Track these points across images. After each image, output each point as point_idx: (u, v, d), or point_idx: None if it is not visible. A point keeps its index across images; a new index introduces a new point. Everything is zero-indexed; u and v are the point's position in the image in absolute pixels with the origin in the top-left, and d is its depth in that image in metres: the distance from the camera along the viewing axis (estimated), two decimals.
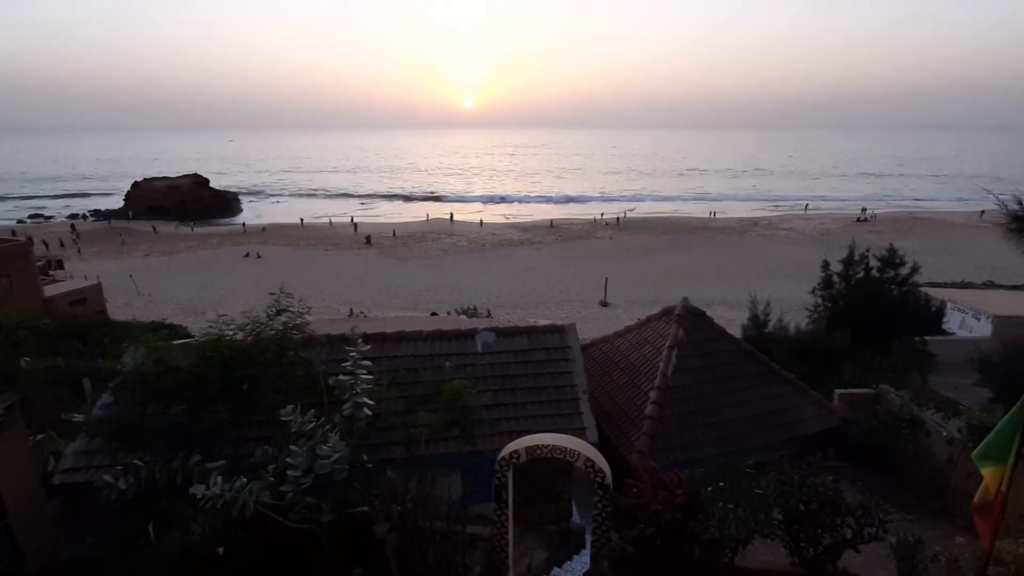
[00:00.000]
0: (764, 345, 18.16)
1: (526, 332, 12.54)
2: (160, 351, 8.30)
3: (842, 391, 15.14)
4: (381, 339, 11.67)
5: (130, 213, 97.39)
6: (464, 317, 25.19)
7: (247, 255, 63.92)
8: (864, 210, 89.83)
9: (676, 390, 13.53)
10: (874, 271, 21.81)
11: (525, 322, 14.50)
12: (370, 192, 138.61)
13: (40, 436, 10.44)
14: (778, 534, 7.56)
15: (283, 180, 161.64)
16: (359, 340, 8.32)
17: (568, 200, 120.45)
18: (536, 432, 8.89)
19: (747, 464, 8.45)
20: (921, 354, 19.11)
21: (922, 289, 23.23)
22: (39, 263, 38.95)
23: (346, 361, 8.18)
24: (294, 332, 8.72)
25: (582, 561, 9.48)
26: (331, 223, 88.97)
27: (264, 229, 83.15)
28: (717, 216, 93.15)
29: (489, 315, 28.94)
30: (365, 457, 7.82)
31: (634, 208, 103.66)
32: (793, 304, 29.71)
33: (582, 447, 8.13)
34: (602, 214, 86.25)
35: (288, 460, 6.85)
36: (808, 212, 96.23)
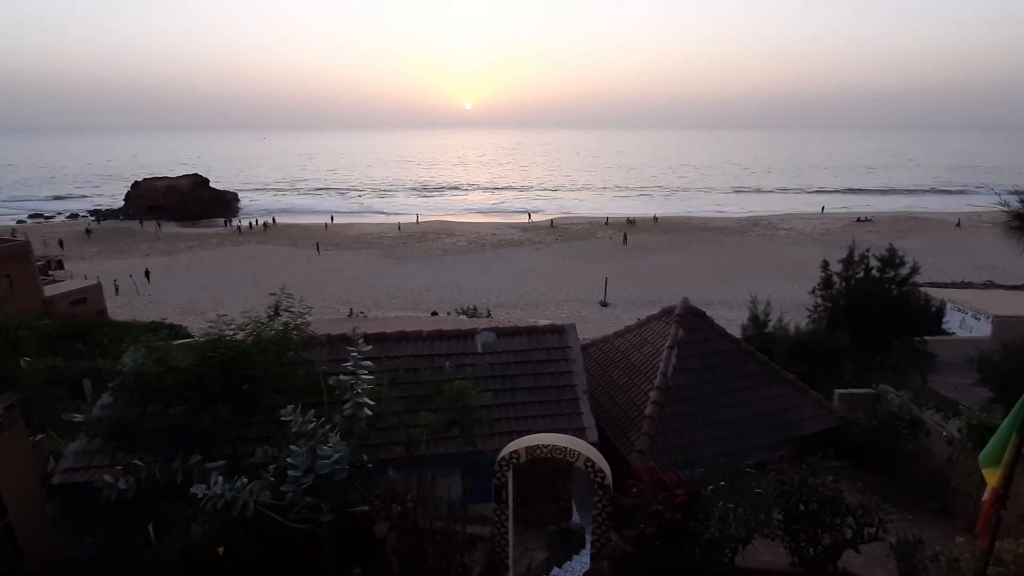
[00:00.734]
0: (764, 345, 18.16)
1: (526, 332, 12.54)
2: (160, 351, 8.30)
3: (842, 391, 15.14)
4: (381, 339, 11.66)
5: (129, 212, 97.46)
6: (464, 317, 25.19)
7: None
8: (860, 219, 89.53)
9: (676, 390, 13.53)
10: (874, 271, 21.82)
11: (525, 322, 14.50)
12: (371, 193, 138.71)
13: (40, 436, 10.43)
14: (778, 534, 7.56)
15: (283, 180, 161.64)
16: (360, 340, 8.32)
17: (567, 200, 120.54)
18: (536, 432, 8.89)
19: (747, 464, 8.45)
20: (921, 354, 19.10)
21: (922, 289, 23.25)
22: (39, 263, 38.96)
23: (346, 361, 8.18)
24: (294, 332, 8.72)
25: (582, 561, 9.47)
26: (328, 224, 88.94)
27: (265, 228, 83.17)
28: (717, 216, 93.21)
29: (489, 315, 28.94)
30: (365, 457, 7.82)
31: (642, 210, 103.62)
32: (793, 304, 29.71)
33: (582, 447, 8.13)
34: (606, 221, 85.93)
35: (288, 460, 6.85)
36: (811, 212, 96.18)
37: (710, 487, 7.74)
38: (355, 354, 8.14)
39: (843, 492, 7.83)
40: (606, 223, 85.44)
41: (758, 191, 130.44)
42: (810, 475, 7.98)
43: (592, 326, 34.02)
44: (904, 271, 21.73)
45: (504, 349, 12.12)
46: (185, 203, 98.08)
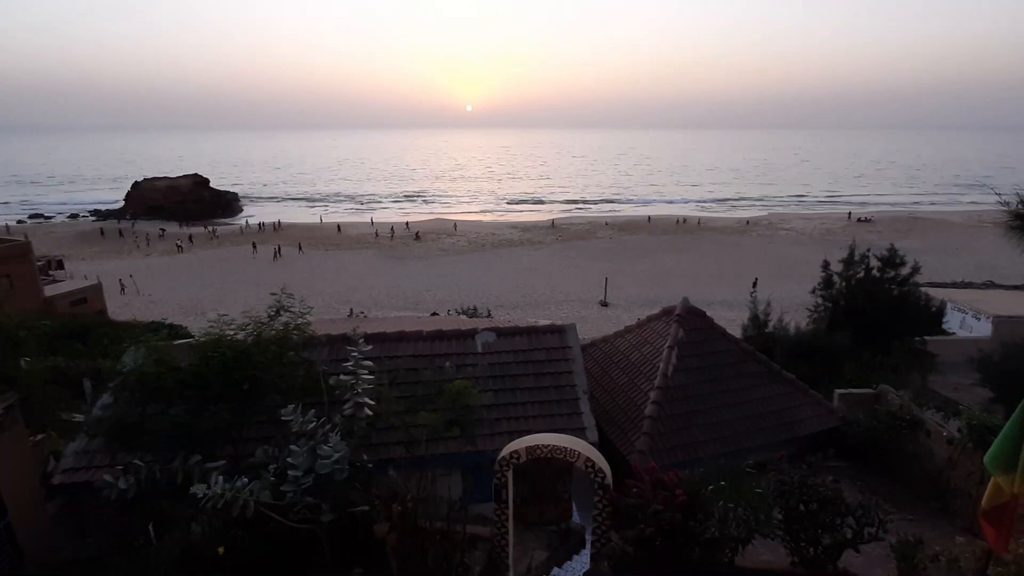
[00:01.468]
0: (764, 345, 18.16)
1: (526, 332, 12.53)
2: (160, 351, 8.29)
3: (842, 391, 15.14)
4: (381, 339, 11.67)
5: (129, 212, 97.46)
6: (464, 317, 25.19)
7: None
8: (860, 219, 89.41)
9: (676, 390, 13.53)
10: (874, 271, 21.82)
11: (525, 322, 14.50)
12: (370, 192, 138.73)
13: (40, 436, 10.44)
14: (778, 534, 7.56)
15: (284, 180, 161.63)
16: (360, 340, 8.31)
17: (569, 200, 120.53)
18: (536, 432, 8.88)
19: (747, 464, 8.46)
20: (921, 354, 19.12)
21: (922, 289, 23.25)
22: (39, 263, 38.96)
23: (346, 361, 8.17)
24: (295, 332, 8.72)
25: (582, 561, 9.47)
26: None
27: (263, 228, 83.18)
28: (717, 216, 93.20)
29: (489, 315, 28.93)
30: (365, 457, 7.81)
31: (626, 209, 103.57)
32: (793, 304, 29.72)
33: (582, 447, 8.13)
34: (606, 222, 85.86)
35: (289, 460, 6.84)
36: (812, 213, 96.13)
37: (710, 487, 7.73)
38: (355, 354, 8.13)
39: (843, 492, 7.82)
40: (606, 223, 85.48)
41: (761, 198, 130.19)
42: (810, 475, 7.97)
43: (592, 326, 34.04)
44: (904, 271, 21.73)
45: (504, 349, 12.12)
46: (185, 203, 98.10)
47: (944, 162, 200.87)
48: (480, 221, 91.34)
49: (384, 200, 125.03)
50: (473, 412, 8.65)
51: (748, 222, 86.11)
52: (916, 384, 16.09)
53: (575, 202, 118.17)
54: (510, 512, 8.08)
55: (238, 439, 8.45)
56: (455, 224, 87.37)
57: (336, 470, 6.75)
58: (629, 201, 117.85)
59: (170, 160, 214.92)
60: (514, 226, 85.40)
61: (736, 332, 18.02)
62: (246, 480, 6.51)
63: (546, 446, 7.91)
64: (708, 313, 16.19)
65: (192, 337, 14.55)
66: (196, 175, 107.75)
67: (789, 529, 7.68)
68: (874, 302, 20.91)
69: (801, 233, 75.97)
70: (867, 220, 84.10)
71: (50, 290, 35.35)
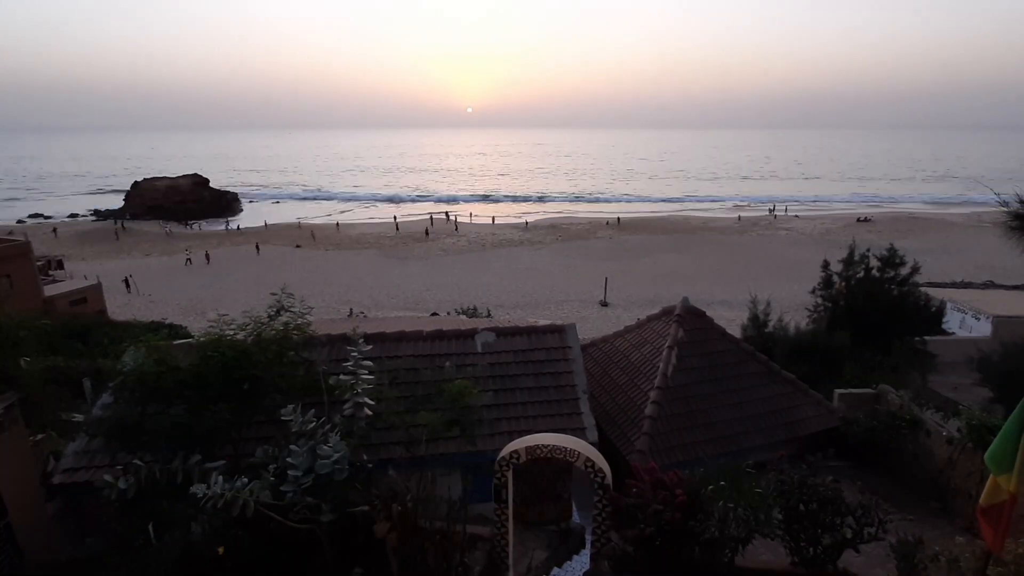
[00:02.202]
0: (764, 345, 18.17)
1: (526, 332, 12.53)
2: (160, 351, 8.29)
3: (842, 391, 15.14)
4: (381, 339, 11.67)
5: (129, 212, 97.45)
6: (464, 317, 25.19)
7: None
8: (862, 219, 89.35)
9: (676, 390, 13.53)
10: (874, 271, 21.83)
11: (525, 322, 14.50)
12: (370, 191, 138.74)
13: (40, 436, 10.43)
14: (778, 534, 7.55)
15: (284, 180, 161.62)
16: (360, 340, 8.32)
17: (569, 199, 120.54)
18: (536, 432, 8.88)
19: (747, 464, 8.45)
20: (921, 354, 19.12)
21: (922, 289, 23.26)
22: (39, 263, 38.96)
23: (346, 361, 8.17)
24: (295, 332, 8.72)
25: (582, 561, 9.46)
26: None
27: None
28: (717, 216, 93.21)
29: (489, 315, 28.93)
30: (365, 457, 7.81)
31: (632, 209, 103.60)
32: (793, 304, 29.71)
33: (582, 447, 8.12)
34: (606, 222, 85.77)
35: (288, 460, 6.84)
36: (812, 214, 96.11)
37: (710, 487, 7.73)
38: (355, 354, 8.13)
39: (843, 492, 7.82)
40: (606, 224, 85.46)
41: (762, 198, 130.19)
42: (810, 475, 7.97)
43: (592, 326, 34.05)
44: (904, 271, 21.74)
45: (504, 349, 12.12)
46: (185, 203, 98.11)
47: (945, 162, 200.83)
48: (480, 221, 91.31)
49: (385, 200, 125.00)
50: (473, 412, 8.66)
51: (748, 222, 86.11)
52: (916, 384, 16.10)
53: (575, 201, 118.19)
54: (510, 512, 8.08)
55: (238, 439, 8.45)
56: (455, 223, 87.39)
57: (336, 470, 6.75)
58: (629, 201, 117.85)
59: (170, 160, 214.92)
60: (514, 226, 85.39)
61: (736, 332, 18.02)
62: (246, 480, 6.51)
63: (546, 446, 7.90)
64: (708, 313, 16.19)
65: (192, 337, 14.55)
66: (196, 175, 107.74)
67: (789, 529, 7.67)
68: (874, 302, 20.92)
69: (801, 233, 75.96)
70: (867, 220, 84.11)
71: (50, 290, 35.35)
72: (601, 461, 8.06)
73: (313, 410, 7.50)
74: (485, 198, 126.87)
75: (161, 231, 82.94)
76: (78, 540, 9.07)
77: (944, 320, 24.07)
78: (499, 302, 44.09)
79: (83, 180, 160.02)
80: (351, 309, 40.63)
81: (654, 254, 63.92)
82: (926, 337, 20.21)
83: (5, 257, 31.92)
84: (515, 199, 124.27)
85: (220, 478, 6.49)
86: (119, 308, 41.65)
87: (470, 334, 12.35)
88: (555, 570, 9.37)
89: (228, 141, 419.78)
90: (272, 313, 8.89)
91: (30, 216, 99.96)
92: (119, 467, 7.45)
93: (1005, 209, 9.64)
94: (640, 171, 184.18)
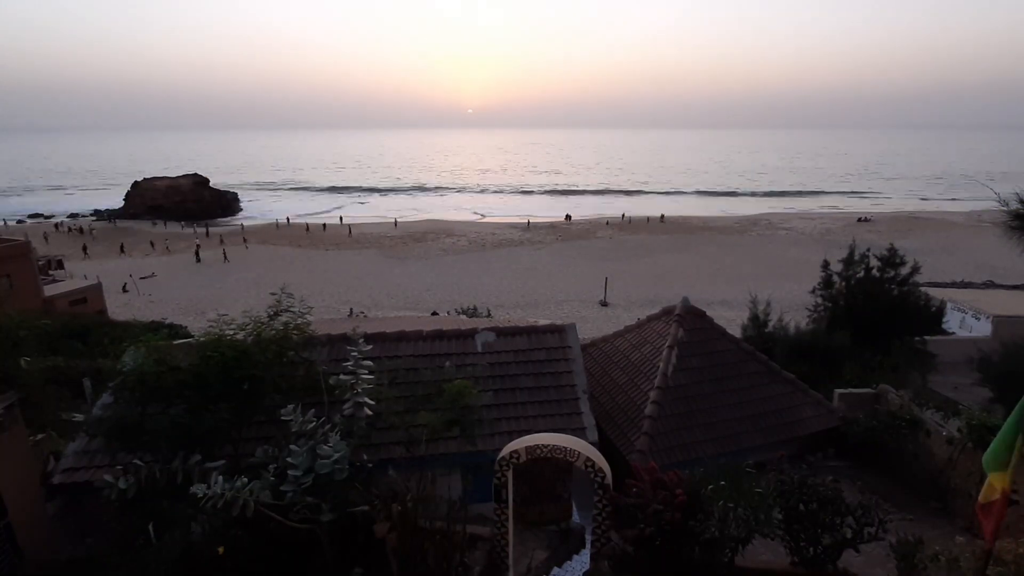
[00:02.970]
0: (764, 345, 18.17)
1: (526, 332, 12.53)
2: (160, 351, 8.29)
3: (842, 391, 15.15)
4: (381, 339, 11.67)
5: (129, 212, 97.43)
6: (464, 317, 25.19)
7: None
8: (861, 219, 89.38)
9: (676, 390, 13.54)
10: (874, 271, 21.82)
11: (525, 322, 14.49)
12: (370, 192, 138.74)
13: (40, 436, 10.43)
14: (778, 534, 7.56)
15: (283, 180, 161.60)
16: (360, 340, 8.32)
17: (569, 199, 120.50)
18: (536, 432, 8.89)
19: (747, 464, 8.45)
20: (921, 354, 19.10)
21: (922, 289, 23.25)
22: (39, 263, 38.96)
23: (346, 361, 8.18)
24: (295, 332, 8.72)
25: (582, 561, 9.47)
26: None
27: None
28: (717, 216, 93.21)
29: (489, 315, 28.92)
30: (365, 457, 7.81)
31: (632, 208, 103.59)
32: (793, 304, 29.71)
33: (582, 447, 8.13)
34: (606, 222, 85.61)
35: (288, 460, 6.84)
36: (813, 214, 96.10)
37: (710, 487, 7.73)
38: (355, 354, 8.13)
39: (843, 492, 7.83)
40: (606, 223, 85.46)
41: (765, 193, 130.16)
42: (810, 475, 7.98)
43: (592, 326, 34.04)
44: (904, 271, 21.72)
45: (504, 349, 12.11)
46: (185, 203, 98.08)
47: (945, 162, 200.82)
48: (480, 221, 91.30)
49: (385, 200, 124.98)
50: (473, 412, 8.65)
51: (748, 222, 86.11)
52: (916, 384, 16.10)
53: (575, 201, 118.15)
54: (510, 512, 8.08)
55: (238, 439, 8.45)
56: (455, 224, 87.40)
57: (336, 470, 6.75)
58: (629, 200, 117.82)
59: (169, 160, 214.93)
60: (514, 226, 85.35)
61: (736, 332, 18.03)
62: (246, 480, 6.51)
63: (546, 446, 7.91)
64: (708, 313, 16.19)
65: (192, 337, 14.54)
66: (196, 175, 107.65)
67: (789, 529, 7.68)
68: (874, 302, 20.91)
69: (801, 233, 75.96)
70: (867, 220, 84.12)
71: (50, 290, 35.33)
72: (601, 461, 8.06)
73: (313, 410, 7.50)
74: (485, 197, 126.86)
75: (158, 231, 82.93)
76: (78, 540, 9.06)
77: (944, 320, 24.06)
78: (499, 302, 44.08)
79: (83, 180, 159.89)
80: (351, 309, 40.62)
81: (654, 254, 63.92)
82: (926, 337, 20.20)
83: (5, 257, 31.91)
84: (516, 198, 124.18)
85: (220, 478, 6.49)
86: (119, 308, 41.65)
87: (470, 334, 12.35)
88: (555, 570, 9.38)
89: (228, 141, 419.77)
90: (272, 313, 8.89)
91: (30, 216, 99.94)
92: (119, 467, 7.46)
93: (1005, 209, 9.63)
94: (641, 171, 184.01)
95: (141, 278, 53.18)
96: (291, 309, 8.99)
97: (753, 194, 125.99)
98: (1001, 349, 15.14)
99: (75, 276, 44.57)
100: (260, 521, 6.69)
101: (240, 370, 7.87)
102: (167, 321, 31.15)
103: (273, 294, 9.18)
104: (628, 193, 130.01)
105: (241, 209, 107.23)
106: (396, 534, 7.17)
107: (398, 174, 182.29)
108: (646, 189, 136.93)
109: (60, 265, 49.58)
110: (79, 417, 8.77)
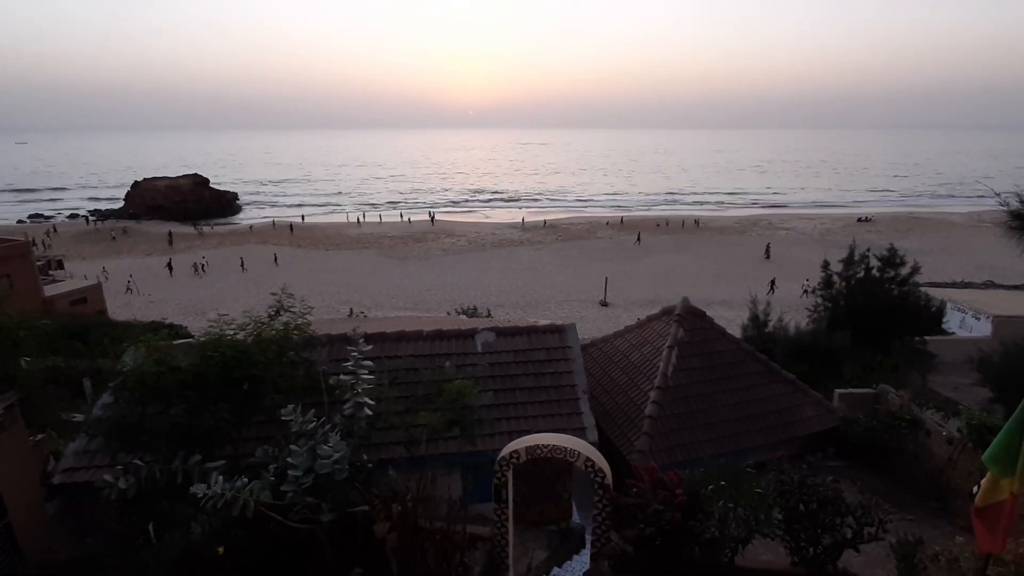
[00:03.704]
0: (764, 345, 18.17)
1: (526, 332, 12.53)
2: (160, 351, 8.30)
3: (842, 391, 15.15)
4: (381, 339, 11.67)
5: (129, 212, 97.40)
6: (464, 317, 25.18)
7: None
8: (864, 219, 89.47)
9: (676, 390, 13.53)
10: (874, 271, 21.81)
11: (525, 322, 14.49)
12: (370, 191, 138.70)
13: (40, 436, 10.43)
14: (778, 534, 7.56)
15: (283, 179, 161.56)
16: (360, 340, 8.32)
17: (568, 199, 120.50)
18: (536, 432, 8.89)
19: (747, 464, 8.46)
20: (921, 354, 19.10)
21: (922, 289, 23.24)
22: (39, 263, 38.96)
23: (346, 361, 8.18)
24: (295, 332, 8.72)
25: (582, 561, 9.47)
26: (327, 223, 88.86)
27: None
28: (717, 216, 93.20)
29: (489, 315, 28.92)
30: (365, 457, 7.82)
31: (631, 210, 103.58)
32: (793, 304, 29.73)
33: (582, 447, 8.13)
34: (606, 222, 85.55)
35: (288, 460, 6.84)
36: (812, 214, 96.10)
37: (710, 487, 7.74)
38: (355, 354, 8.13)
39: (843, 492, 7.82)
40: (606, 223, 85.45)
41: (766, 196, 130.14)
42: (810, 475, 7.97)
43: (592, 326, 34.04)
44: (904, 271, 21.71)
45: (504, 349, 12.12)
46: (185, 203, 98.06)
47: (945, 162, 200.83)
48: (480, 221, 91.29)
49: (386, 200, 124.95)
50: (473, 412, 8.66)
51: (748, 222, 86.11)
52: (916, 384, 16.10)
53: (575, 201, 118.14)
54: (510, 512, 8.08)
55: (238, 439, 8.45)
56: (455, 224, 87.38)
57: (336, 470, 6.75)
58: (629, 200, 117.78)
59: (169, 159, 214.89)
60: (514, 226, 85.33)
61: (736, 332, 18.03)
62: (246, 480, 6.51)
63: (546, 446, 7.91)
64: (708, 313, 16.19)
65: (192, 337, 14.55)
66: (196, 175, 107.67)
67: (789, 529, 7.68)
68: (874, 302, 20.90)
69: (801, 233, 75.98)
70: (867, 220, 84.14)
71: (50, 290, 35.32)
72: (601, 461, 8.06)
73: (313, 410, 7.50)
74: (486, 198, 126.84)
75: (159, 231, 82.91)
76: (78, 540, 9.06)
77: (944, 320, 24.06)
78: (499, 302, 44.07)
79: (83, 180, 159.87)
80: (351, 309, 40.61)
81: (654, 254, 63.91)
82: (926, 337, 20.19)
83: (5, 257, 31.91)
84: (516, 198, 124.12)
85: (220, 478, 6.49)
86: (119, 308, 41.65)
87: (470, 334, 12.35)
88: (555, 570, 9.38)
89: (229, 141, 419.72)
90: (272, 313, 8.89)
91: (30, 216, 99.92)
92: (119, 467, 7.46)
93: (1005, 209, 9.65)
94: (640, 171, 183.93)
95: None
96: (291, 309, 9.00)
97: (753, 195, 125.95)
98: (1001, 349, 15.14)
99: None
100: (260, 521, 6.69)
101: (240, 370, 7.88)
102: (167, 321, 31.16)
103: (273, 294, 9.19)
104: (628, 194, 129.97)
105: (241, 209, 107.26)
106: (396, 534, 7.18)
107: (398, 174, 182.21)
108: (646, 190, 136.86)
109: (60, 265, 49.59)
110: (79, 417, 8.77)
